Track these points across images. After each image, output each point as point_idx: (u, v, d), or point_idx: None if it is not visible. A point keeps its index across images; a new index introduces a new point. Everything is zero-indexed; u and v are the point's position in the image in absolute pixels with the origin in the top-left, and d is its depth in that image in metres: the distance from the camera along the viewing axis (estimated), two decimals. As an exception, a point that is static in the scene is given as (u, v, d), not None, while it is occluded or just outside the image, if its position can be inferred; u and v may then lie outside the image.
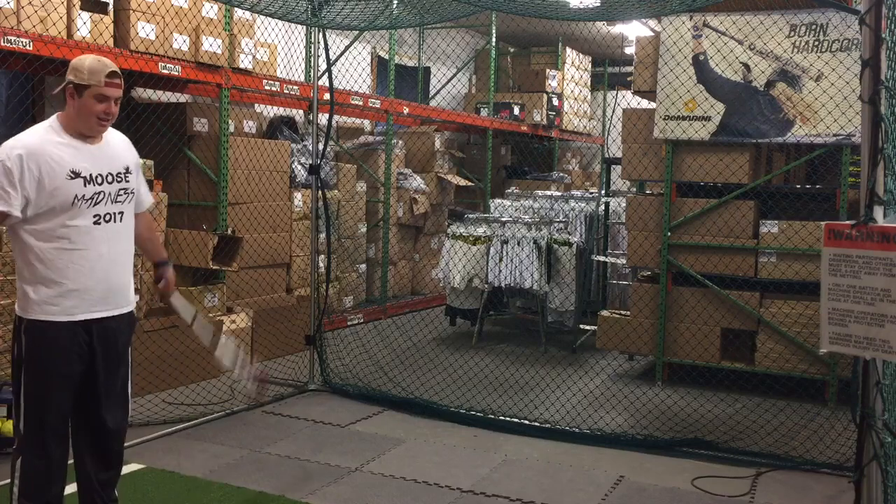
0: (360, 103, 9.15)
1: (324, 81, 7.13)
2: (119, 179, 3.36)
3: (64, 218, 3.21)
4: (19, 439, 3.28)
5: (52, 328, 3.23)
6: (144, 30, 6.41)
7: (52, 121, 3.34)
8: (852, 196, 6.30)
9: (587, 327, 8.31)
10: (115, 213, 3.35)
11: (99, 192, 3.28)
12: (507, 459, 5.15)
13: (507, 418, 5.85)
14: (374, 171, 9.94)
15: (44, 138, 3.25)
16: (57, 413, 3.28)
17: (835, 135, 6.29)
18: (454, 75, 12.55)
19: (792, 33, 6.38)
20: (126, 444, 4.89)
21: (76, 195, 3.22)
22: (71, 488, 3.49)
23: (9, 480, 3.35)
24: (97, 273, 3.29)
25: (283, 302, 7.94)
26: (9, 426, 4.78)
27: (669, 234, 6.83)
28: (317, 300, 6.79)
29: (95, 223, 3.28)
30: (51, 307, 3.23)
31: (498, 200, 9.88)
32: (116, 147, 3.45)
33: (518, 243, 8.17)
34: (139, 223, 3.59)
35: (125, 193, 3.39)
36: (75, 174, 3.22)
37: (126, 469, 4.60)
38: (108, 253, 3.32)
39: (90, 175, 3.26)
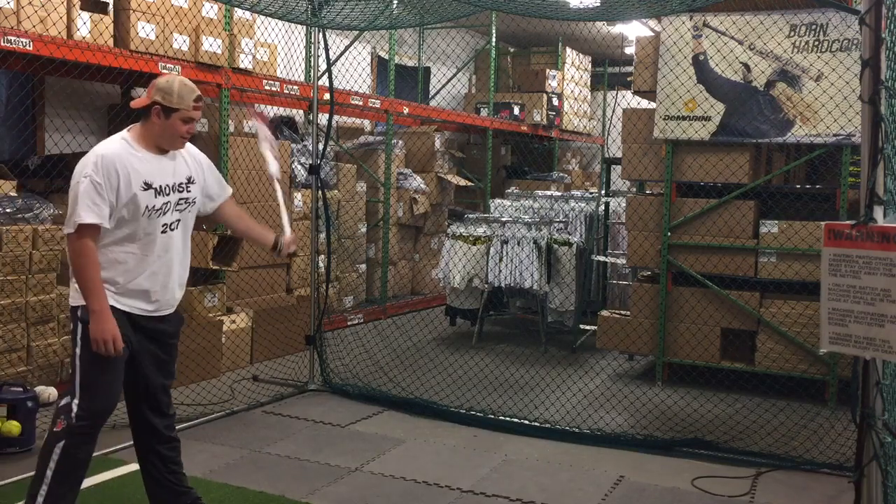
0: (360, 103, 9.15)
1: (324, 81, 7.13)
2: (181, 189, 3.60)
3: (133, 226, 3.45)
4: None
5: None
6: (144, 30, 6.41)
7: (125, 135, 3.55)
8: (852, 196, 6.30)
9: (587, 327, 8.31)
10: (175, 222, 3.59)
11: (166, 203, 3.52)
12: (507, 459, 5.15)
13: (507, 418, 5.86)
14: (374, 171, 9.94)
15: (120, 149, 3.47)
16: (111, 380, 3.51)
17: (835, 135, 6.29)
18: (454, 75, 12.55)
19: (792, 33, 6.38)
20: (125, 444, 4.93)
21: (147, 206, 3.46)
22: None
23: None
24: (159, 278, 3.54)
25: (283, 302, 7.94)
26: (9, 426, 4.78)
27: (669, 234, 6.83)
28: (317, 300, 6.79)
29: (163, 232, 3.54)
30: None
31: (498, 200, 9.88)
32: (181, 158, 3.66)
33: (518, 243, 8.17)
34: (232, 214, 3.96)
35: (185, 203, 3.63)
36: (148, 185, 3.46)
37: (126, 469, 4.63)
38: (168, 259, 3.57)
39: (160, 186, 3.50)
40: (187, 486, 3.80)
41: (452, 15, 6.60)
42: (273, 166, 4.43)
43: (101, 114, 7.42)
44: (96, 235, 3.39)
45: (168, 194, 3.53)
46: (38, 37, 5.59)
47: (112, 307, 3.41)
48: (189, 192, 3.64)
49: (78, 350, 3.45)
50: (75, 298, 3.48)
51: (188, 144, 3.74)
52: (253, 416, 5.86)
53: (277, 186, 4.33)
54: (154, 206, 3.48)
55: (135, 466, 4.61)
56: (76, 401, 3.40)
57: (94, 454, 4.76)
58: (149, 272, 3.51)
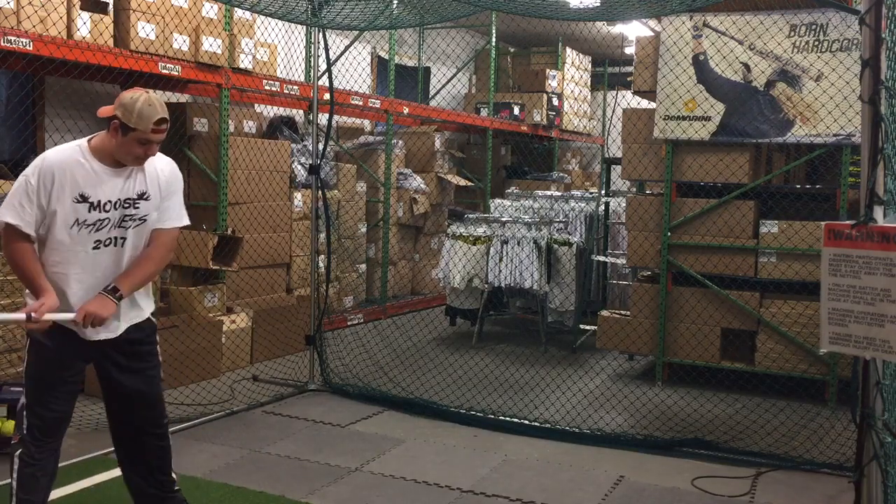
0: (360, 103, 9.15)
1: (324, 81, 7.13)
2: (127, 206, 3.39)
3: (63, 237, 3.31)
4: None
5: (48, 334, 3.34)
6: (144, 30, 6.41)
7: (82, 142, 3.41)
8: (852, 196, 6.30)
9: (587, 327, 8.31)
10: (116, 238, 3.40)
11: (103, 219, 3.35)
12: (507, 459, 5.15)
13: (507, 418, 5.85)
14: (374, 171, 9.94)
15: (67, 156, 3.33)
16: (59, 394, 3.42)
17: (835, 135, 6.29)
18: (454, 75, 12.55)
19: (792, 33, 6.38)
20: (126, 444, 4.92)
21: (77, 219, 3.30)
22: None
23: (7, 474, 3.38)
24: (90, 293, 3.35)
25: (283, 302, 7.94)
26: (9, 426, 4.78)
27: (669, 234, 6.82)
28: (317, 300, 6.79)
29: (95, 248, 3.35)
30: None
31: (498, 200, 9.88)
32: (141, 174, 3.44)
33: (518, 243, 8.17)
34: (148, 246, 3.52)
35: (130, 220, 3.41)
36: (83, 198, 3.31)
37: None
38: (104, 277, 3.38)
39: (98, 201, 3.33)
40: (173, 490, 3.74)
41: (452, 15, 6.60)
42: None
43: (101, 114, 7.41)
44: (23, 237, 3.27)
45: (107, 210, 3.33)
46: (38, 37, 5.59)
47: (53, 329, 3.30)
48: (137, 208, 3.40)
49: (25, 362, 3.40)
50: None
51: (166, 161, 3.56)
52: (253, 416, 5.86)
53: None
54: (86, 221, 3.30)
55: (135, 466, 4.62)
56: (25, 412, 3.35)
57: (94, 454, 4.81)
58: (75, 289, 3.34)
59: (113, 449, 4.39)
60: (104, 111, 3.37)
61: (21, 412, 3.38)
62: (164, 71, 6.51)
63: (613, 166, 9.58)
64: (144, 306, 3.56)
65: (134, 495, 3.70)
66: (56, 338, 3.34)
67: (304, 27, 8.72)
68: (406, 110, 10.10)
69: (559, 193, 10.34)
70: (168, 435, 3.67)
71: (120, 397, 3.56)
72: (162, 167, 3.52)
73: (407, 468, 4.92)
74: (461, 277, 8.32)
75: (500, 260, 8.19)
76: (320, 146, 6.81)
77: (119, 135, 3.29)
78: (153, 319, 3.64)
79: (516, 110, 12.86)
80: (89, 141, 3.41)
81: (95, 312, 3.27)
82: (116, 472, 4.58)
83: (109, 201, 3.35)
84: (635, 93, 7.39)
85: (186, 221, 3.66)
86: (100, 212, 3.33)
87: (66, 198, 3.27)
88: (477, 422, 5.80)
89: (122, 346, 3.47)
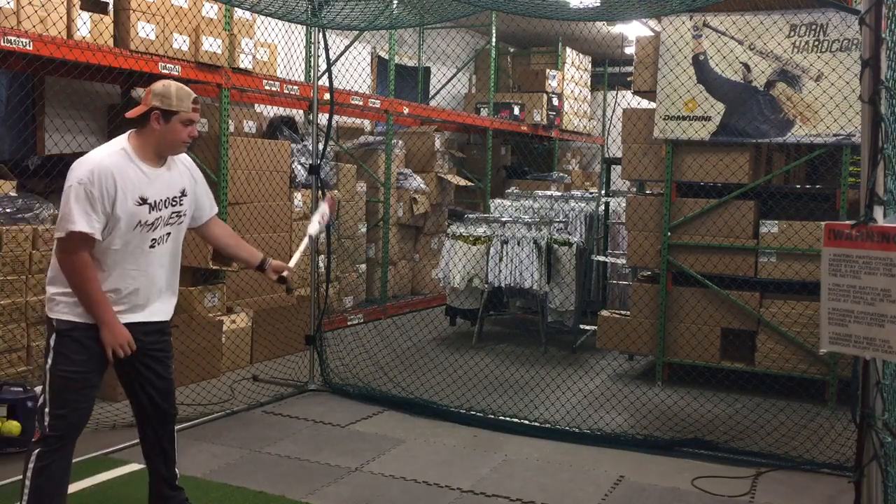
0: (360, 103, 9.15)
1: (324, 81, 7.13)
2: (174, 203, 3.54)
3: (125, 240, 3.40)
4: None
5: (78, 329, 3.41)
6: (144, 30, 6.41)
7: (124, 142, 3.46)
8: (852, 196, 6.30)
9: (587, 327, 8.31)
10: (165, 236, 3.54)
11: (158, 218, 3.47)
12: (507, 459, 5.15)
13: (507, 418, 5.85)
14: (374, 171, 9.94)
15: (120, 160, 3.39)
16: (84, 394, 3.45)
17: (835, 135, 6.29)
18: (454, 75, 12.55)
19: (792, 33, 6.38)
20: (125, 444, 4.93)
21: (140, 220, 3.40)
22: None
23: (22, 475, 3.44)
24: (141, 292, 3.50)
25: (283, 302, 7.94)
26: (9, 426, 4.78)
27: (669, 234, 6.83)
28: (317, 300, 6.79)
29: (151, 247, 3.48)
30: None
31: (498, 200, 9.88)
32: (177, 170, 3.60)
33: (518, 243, 8.17)
34: (220, 232, 3.87)
35: (176, 217, 3.58)
36: (143, 200, 3.41)
37: (126, 469, 4.62)
38: (159, 274, 3.54)
39: (154, 202, 3.45)
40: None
41: (452, 15, 6.60)
42: (313, 228, 4.34)
43: (101, 114, 7.42)
44: (90, 246, 3.32)
45: (161, 209, 3.47)
46: (38, 37, 5.59)
47: (78, 324, 3.38)
48: (182, 205, 3.58)
49: (49, 361, 3.39)
50: (52, 309, 3.41)
51: (184, 155, 3.67)
52: (253, 416, 5.86)
53: (306, 241, 4.22)
54: (146, 222, 3.43)
55: (135, 466, 4.63)
56: (47, 409, 3.36)
57: (94, 454, 4.81)
58: (132, 286, 3.46)
59: (114, 449, 4.41)
60: (135, 111, 3.45)
61: (42, 410, 3.38)
62: (164, 71, 6.51)
63: (613, 166, 9.58)
64: (174, 302, 3.74)
65: (151, 488, 3.78)
66: (92, 339, 3.38)
67: (304, 27, 8.72)
68: (406, 110, 10.10)
69: (559, 193, 10.34)
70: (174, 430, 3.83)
71: (154, 386, 3.65)
72: (188, 163, 3.70)
73: (407, 468, 4.92)
74: (461, 277, 8.32)
75: (500, 260, 8.19)
76: (320, 146, 6.81)
77: (162, 123, 3.41)
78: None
79: (516, 110, 12.86)
80: (128, 141, 3.47)
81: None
82: (117, 472, 4.61)
83: (162, 199, 3.48)
84: (635, 93, 7.39)
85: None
86: (157, 211, 3.46)
87: (129, 200, 3.36)
88: (477, 422, 5.80)
89: (152, 335, 3.59)
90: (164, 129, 3.43)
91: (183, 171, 3.63)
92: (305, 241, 4.20)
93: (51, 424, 3.34)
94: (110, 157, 3.38)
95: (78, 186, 3.28)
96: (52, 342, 3.40)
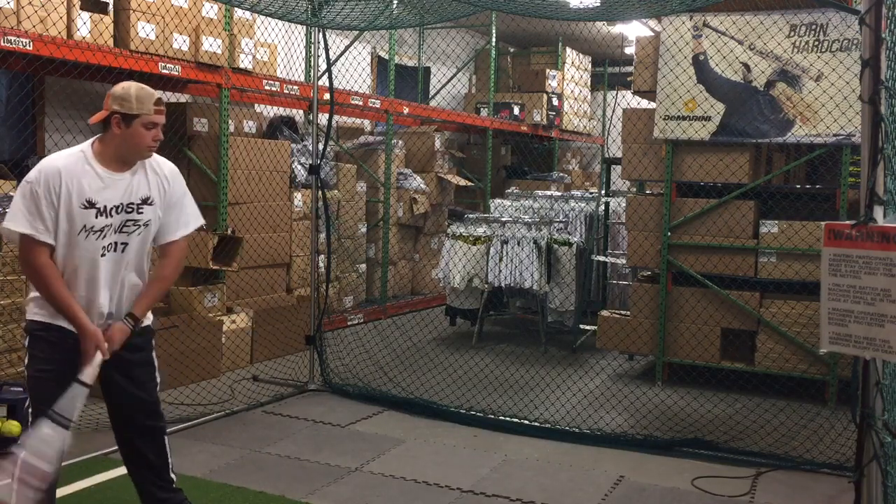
0: (360, 103, 9.15)
1: (324, 81, 7.13)
2: (130, 210, 3.35)
3: (70, 244, 3.27)
4: None
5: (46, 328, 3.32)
6: (144, 30, 6.41)
7: (85, 146, 3.37)
8: (852, 196, 6.30)
9: (587, 327, 8.31)
10: (118, 244, 3.36)
11: (108, 224, 3.31)
12: (507, 459, 5.15)
13: (507, 418, 5.85)
14: (374, 171, 9.94)
15: (72, 162, 3.30)
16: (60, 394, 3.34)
17: (835, 135, 6.29)
18: (454, 75, 12.54)
19: (792, 33, 6.37)
20: (126, 444, 4.91)
21: (85, 225, 3.26)
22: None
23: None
24: (97, 301, 3.34)
25: (283, 302, 7.94)
26: (9, 426, 4.78)
27: (669, 234, 6.82)
28: (317, 300, 6.79)
29: (102, 255, 3.32)
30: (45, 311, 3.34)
31: (498, 200, 9.88)
32: (144, 177, 3.42)
33: (518, 243, 8.17)
34: (158, 266, 3.54)
35: (133, 224, 3.38)
36: (90, 203, 3.26)
37: (125, 469, 4.61)
38: (111, 284, 3.37)
39: (104, 207, 3.29)
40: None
41: (452, 15, 6.60)
42: (87, 377, 3.37)
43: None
44: (41, 247, 3.22)
45: (111, 215, 3.30)
46: (38, 37, 5.58)
47: (48, 325, 3.30)
48: (141, 213, 3.38)
49: (26, 361, 3.36)
50: (28, 310, 3.37)
51: (168, 166, 3.53)
52: (253, 416, 5.86)
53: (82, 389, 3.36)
54: (93, 227, 3.27)
55: (135, 466, 4.62)
56: (31, 412, 3.31)
57: (94, 454, 4.81)
58: (86, 296, 3.32)
59: (113, 449, 4.36)
60: (95, 118, 3.34)
61: (26, 412, 3.36)
62: (164, 71, 6.51)
63: (613, 166, 9.58)
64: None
65: (140, 493, 3.70)
66: (64, 339, 3.31)
67: (304, 27, 8.72)
68: (406, 110, 10.10)
69: (559, 193, 10.34)
70: (165, 434, 3.66)
71: (119, 401, 3.54)
72: (163, 169, 3.49)
73: (407, 468, 4.92)
74: (461, 277, 8.32)
75: (500, 260, 8.19)
76: (320, 146, 6.81)
77: (123, 128, 3.27)
78: (151, 327, 3.64)
79: (516, 110, 12.86)
80: (92, 145, 3.37)
81: (115, 343, 3.32)
82: (116, 472, 4.61)
83: (115, 206, 3.31)
84: (635, 93, 7.39)
85: (202, 221, 3.66)
86: (106, 217, 3.30)
87: (73, 204, 3.23)
88: (477, 422, 5.80)
89: (124, 350, 3.43)
90: (125, 133, 3.27)
91: (153, 179, 3.43)
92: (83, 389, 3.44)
93: (33, 424, 3.27)
94: (65, 158, 3.30)
95: (25, 185, 3.22)
96: (26, 343, 3.37)
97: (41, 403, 3.28)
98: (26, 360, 3.37)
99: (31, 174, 3.24)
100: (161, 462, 3.64)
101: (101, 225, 3.29)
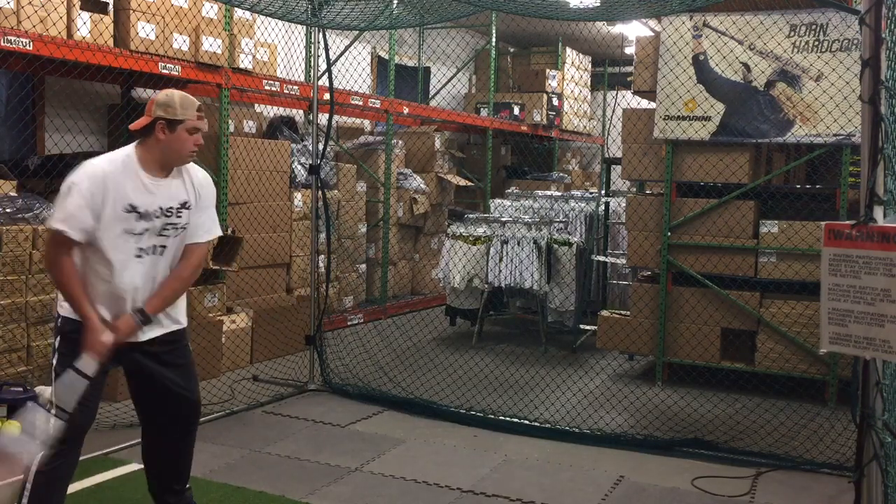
0: (360, 103, 9.15)
1: (324, 81, 7.13)
2: (169, 214, 3.45)
3: (111, 246, 3.35)
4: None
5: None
6: (144, 30, 6.41)
7: (131, 151, 3.44)
8: (852, 196, 6.30)
9: (587, 327, 8.31)
10: (157, 246, 3.46)
11: (148, 228, 3.40)
12: (507, 459, 5.15)
13: (507, 418, 5.85)
14: (374, 171, 9.94)
15: (119, 167, 3.37)
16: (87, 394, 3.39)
17: (835, 135, 6.29)
18: (454, 75, 12.55)
19: (792, 33, 6.38)
20: (125, 444, 4.93)
21: (125, 228, 3.35)
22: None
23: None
24: (125, 303, 3.42)
25: (283, 302, 7.94)
26: (9, 426, 4.78)
27: (669, 234, 6.83)
28: (317, 300, 6.79)
29: (137, 256, 3.41)
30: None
31: (498, 200, 9.88)
32: (182, 182, 3.53)
33: (518, 243, 8.17)
34: (179, 263, 3.58)
35: (172, 228, 3.48)
36: (132, 208, 3.36)
37: (125, 469, 4.62)
38: (144, 284, 3.45)
39: (146, 211, 3.39)
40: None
41: (452, 15, 6.60)
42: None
43: (101, 114, 7.42)
44: (70, 247, 3.30)
45: (152, 219, 3.41)
46: (38, 37, 5.58)
47: (78, 323, 3.34)
48: (180, 217, 3.50)
49: (55, 361, 3.39)
50: (59, 305, 3.45)
51: (202, 172, 3.64)
52: (253, 416, 5.86)
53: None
54: (133, 230, 3.37)
55: (135, 466, 4.63)
56: (52, 410, 3.31)
57: (94, 454, 4.80)
58: (115, 295, 3.40)
59: (114, 449, 4.37)
60: (139, 123, 3.43)
61: (51, 410, 3.36)
62: (164, 71, 6.51)
63: (613, 166, 9.58)
64: (182, 319, 3.64)
65: (153, 492, 3.75)
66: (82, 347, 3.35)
67: (304, 27, 8.72)
68: (406, 110, 10.10)
69: (559, 193, 10.34)
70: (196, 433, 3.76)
71: (159, 389, 3.59)
72: (197, 175, 3.61)
73: (407, 468, 4.92)
74: (461, 277, 8.32)
75: (500, 260, 8.19)
76: (320, 146, 6.81)
77: (167, 133, 3.38)
78: (186, 330, 3.71)
79: (516, 110, 12.86)
80: (135, 150, 3.45)
81: (120, 335, 3.36)
82: (116, 472, 4.61)
83: (155, 210, 3.41)
84: (635, 93, 7.39)
85: (219, 232, 3.74)
86: (147, 221, 3.39)
87: (118, 207, 3.32)
88: (477, 422, 5.80)
89: (157, 345, 3.53)
90: (169, 138, 3.39)
91: (189, 185, 3.55)
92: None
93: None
94: (110, 163, 3.38)
95: (73, 186, 3.30)
96: (56, 343, 3.41)
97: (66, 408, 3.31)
98: (55, 359, 3.40)
99: (76, 175, 3.32)
100: (188, 461, 3.76)
101: (142, 228, 3.39)
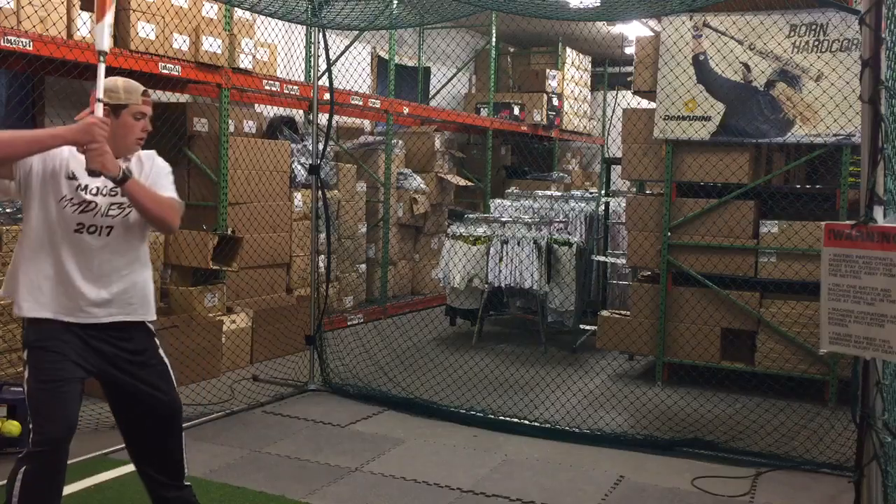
0: (360, 103, 9.15)
1: (324, 81, 7.12)
2: (115, 194, 3.31)
3: (49, 212, 3.25)
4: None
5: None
6: (144, 30, 6.41)
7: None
8: (852, 196, 6.30)
9: (587, 327, 8.31)
10: (101, 227, 3.31)
11: (90, 202, 3.27)
12: (507, 459, 5.15)
13: (507, 418, 5.85)
14: (374, 171, 9.94)
15: (64, 150, 3.28)
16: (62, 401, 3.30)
17: (835, 135, 6.29)
18: (454, 75, 12.55)
19: (792, 33, 6.38)
20: (125, 444, 4.91)
21: (65, 195, 3.26)
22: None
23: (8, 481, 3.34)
24: (75, 283, 3.27)
25: (283, 302, 7.94)
26: (9, 426, 4.79)
27: (669, 234, 6.83)
28: (317, 300, 6.79)
29: (77, 230, 3.27)
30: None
31: (498, 200, 9.88)
32: (135, 165, 3.41)
33: (518, 243, 8.17)
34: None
35: (119, 208, 3.33)
36: (73, 176, 3.28)
37: (126, 469, 4.62)
38: (91, 263, 3.29)
39: (86, 185, 3.28)
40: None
41: (452, 15, 6.60)
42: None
43: (100, 114, 7.41)
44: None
45: (94, 194, 3.27)
46: (38, 37, 5.58)
47: (45, 319, 3.23)
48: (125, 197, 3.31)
49: (26, 373, 3.26)
50: (16, 305, 3.28)
51: (154, 157, 3.50)
52: (253, 416, 5.86)
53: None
54: (72, 199, 3.24)
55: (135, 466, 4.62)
56: (31, 425, 3.21)
57: (94, 454, 4.81)
58: (54, 274, 3.25)
59: (113, 449, 4.33)
60: (83, 114, 3.33)
61: (28, 425, 3.29)
62: (164, 71, 6.51)
63: (613, 166, 9.58)
64: (146, 313, 3.47)
65: (149, 491, 3.66)
66: (62, 336, 3.26)
67: (304, 27, 8.72)
68: (406, 110, 10.10)
69: (559, 193, 10.34)
70: (182, 431, 3.63)
71: (134, 398, 3.46)
72: (147, 157, 3.48)
73: (407, 468, 4.92)
74: (461, 277, 8.32)
75: (500, 260, 8.19)
76: (320, 146, 6.81)
77: (112, 119, 3.30)
78: (150, 326, 3.53)
79: (516, 110, 12.86)
80: None
81: (99, 132, 3.17)
82: (116, 472, 4.61)
83: (98, 187, 3.29)
84: (635, 93, 7.39)
85: (178, 199, 3.51)
86: (86, 193, 3.27)
87: (60, 173, 3.25)
88: (477, 422, 5.80)
89: (124, 353, 3.39)
90: (114, 124, 3.30)
91: (136, 163, 3.41)
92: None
93: (33, 440, 3.18)
94: (59, 149, 3.29)
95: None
96: (25, 355, 3.29)
97: (39, 419, 3.20)
98: (26, 372, 3.26)
99: None
100: (180, 459, 3.61)
101: (80, 199, 3.26)
